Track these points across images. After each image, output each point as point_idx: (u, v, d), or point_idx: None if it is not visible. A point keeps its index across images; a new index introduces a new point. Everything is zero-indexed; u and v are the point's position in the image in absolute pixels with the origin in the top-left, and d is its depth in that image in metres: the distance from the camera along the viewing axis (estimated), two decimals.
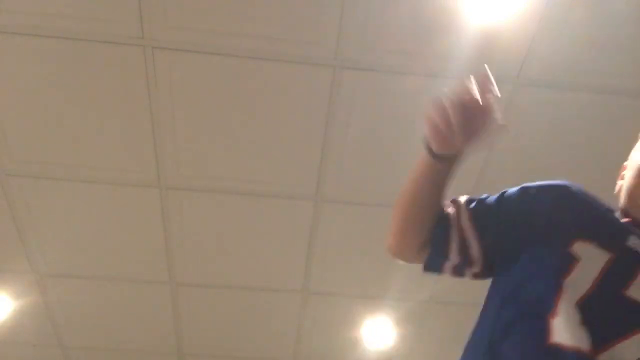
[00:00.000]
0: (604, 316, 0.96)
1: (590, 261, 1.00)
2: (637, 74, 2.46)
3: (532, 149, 2.69)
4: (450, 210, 1.15)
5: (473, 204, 1.16)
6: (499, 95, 0.99)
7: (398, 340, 3.71)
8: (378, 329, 3.64)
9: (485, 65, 1.01)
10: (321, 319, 3.63)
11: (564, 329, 0.94)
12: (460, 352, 1.10)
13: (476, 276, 1.14)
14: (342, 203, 2.93)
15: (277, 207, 2.95)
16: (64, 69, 2.40)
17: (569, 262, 1.00)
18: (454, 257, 1.12)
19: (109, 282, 3.34)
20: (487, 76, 1.01)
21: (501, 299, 1.05)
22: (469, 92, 1.00)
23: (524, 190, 1.14)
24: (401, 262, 1.21)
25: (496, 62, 2.38)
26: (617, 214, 1.15)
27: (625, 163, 1.26)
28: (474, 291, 1.31)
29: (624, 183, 1.22)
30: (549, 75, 2.45)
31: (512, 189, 1.15)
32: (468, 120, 1.00)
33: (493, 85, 1.00)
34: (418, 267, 1.21)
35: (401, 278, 3.13)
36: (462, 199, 1.18)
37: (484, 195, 1.18)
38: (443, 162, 1.09)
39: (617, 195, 1.21)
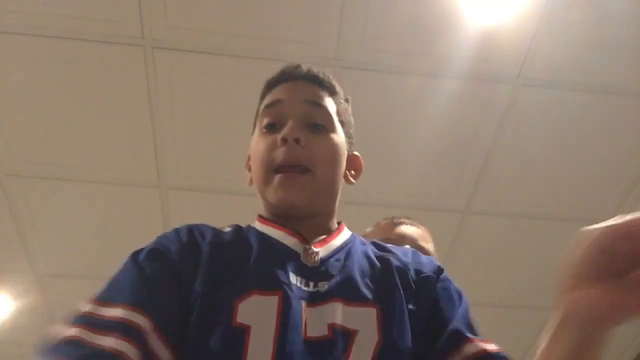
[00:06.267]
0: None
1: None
2: (637, 74, 2.46)
3: (532, 148, 2.69)
4: None
5: None
6: None
7: None
8: None
9: None
10: None
11: None
12: None
13: None
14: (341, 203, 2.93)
15: None
16: (64, 69, 2.40)
17: None
18: None
19: None
20: None
21: None
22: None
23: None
24: None
25: (496, 62, 2.39)
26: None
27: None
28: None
29: (254, 176, 0.99)
30: (549, 75, 2.45)
31: None
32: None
33: None
34: None
35: None
36: None
37: None
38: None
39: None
